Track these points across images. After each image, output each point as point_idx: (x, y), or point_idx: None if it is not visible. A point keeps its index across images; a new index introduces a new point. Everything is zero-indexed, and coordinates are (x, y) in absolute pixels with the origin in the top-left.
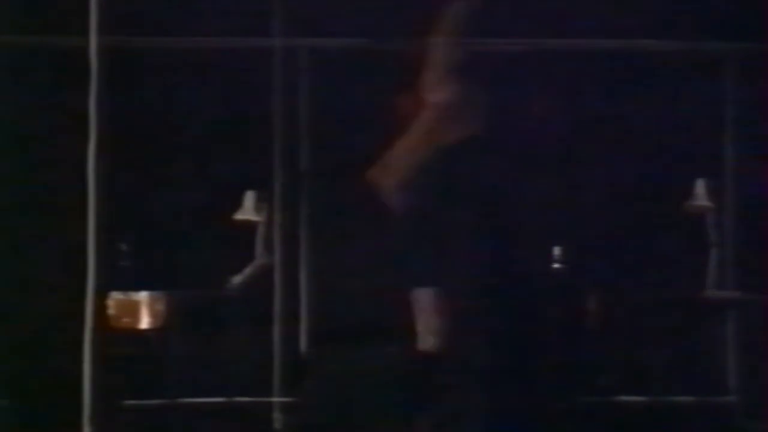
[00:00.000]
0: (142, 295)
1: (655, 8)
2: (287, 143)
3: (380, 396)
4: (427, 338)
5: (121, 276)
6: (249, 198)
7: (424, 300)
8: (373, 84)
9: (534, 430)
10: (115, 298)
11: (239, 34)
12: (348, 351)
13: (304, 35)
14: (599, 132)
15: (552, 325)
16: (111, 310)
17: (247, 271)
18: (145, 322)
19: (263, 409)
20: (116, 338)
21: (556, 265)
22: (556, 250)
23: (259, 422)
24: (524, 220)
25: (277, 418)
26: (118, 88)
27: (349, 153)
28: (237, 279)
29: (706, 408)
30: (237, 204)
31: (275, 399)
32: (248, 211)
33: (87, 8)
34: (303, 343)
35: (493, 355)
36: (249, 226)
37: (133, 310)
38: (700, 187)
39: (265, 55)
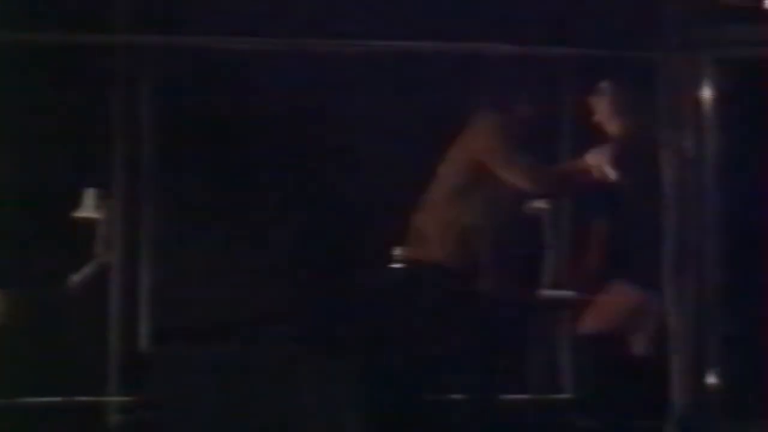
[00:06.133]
0: None
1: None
2: (130, 141)
3: (225, 395)
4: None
5: None
6: (89, 196)
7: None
8: (225, 83)
9: (374, 428)
10: None
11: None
12: (191, 350)
13: (152, 32)
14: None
15: (392, 325)
16: None
17: (87, 269)
18: None
19: (102, 409)
20: None
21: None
22: (397, 251)
23: (98, 422)
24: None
25: (117, 418)
26: None
27: (196, 151)
28: (76, 278)
29: (540, 405)
30: (77, 202)
31: (114, 398)
32: (88, 208)
33: None
34: (144, 342)
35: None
36: (89, 225)
37: None
38: None
39: (109, 52)
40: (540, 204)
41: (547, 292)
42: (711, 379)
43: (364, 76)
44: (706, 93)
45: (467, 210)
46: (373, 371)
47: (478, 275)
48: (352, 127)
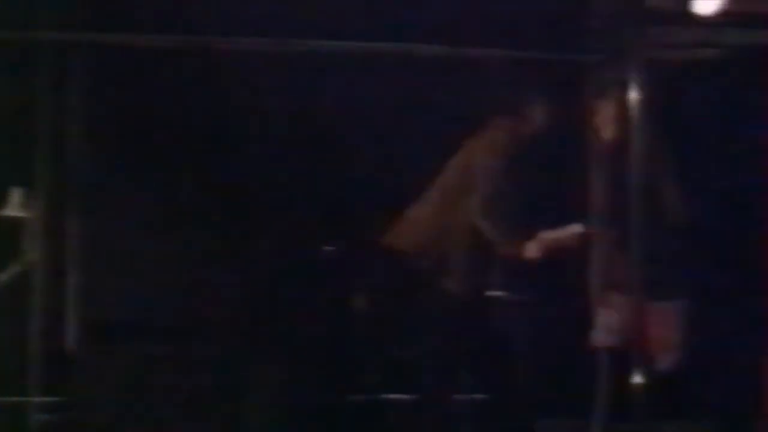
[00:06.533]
0: None
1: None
2: (58, 140)
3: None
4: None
5: None
6: (15, 194)
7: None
8: (154, 81)
9: (301, 426)
10: None
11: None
12: (117, 350)
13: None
14: (367, 131)
15: (321, 323)
16: None
17: (13, 268)
18: None
19: (26, 409)
20: None
21: (325, 263)
22: (328, 247)
23: (21, 422)
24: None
25: (40, 418)
26: None
27: (124, 150)
28: (1, 276)
29: (463, 405)
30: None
31: (38, 399)
32: (15, 207)
33: None
34: (68, 342)
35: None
36: (15, 223)
37: None
38: None
39: (35, 49)
40: None
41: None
42: (635, 380)
43: (294, 74)
44: (634, 95)
45: (462, 210)
46: (300, 370)
47: (453, 274)
48: (282, 125)
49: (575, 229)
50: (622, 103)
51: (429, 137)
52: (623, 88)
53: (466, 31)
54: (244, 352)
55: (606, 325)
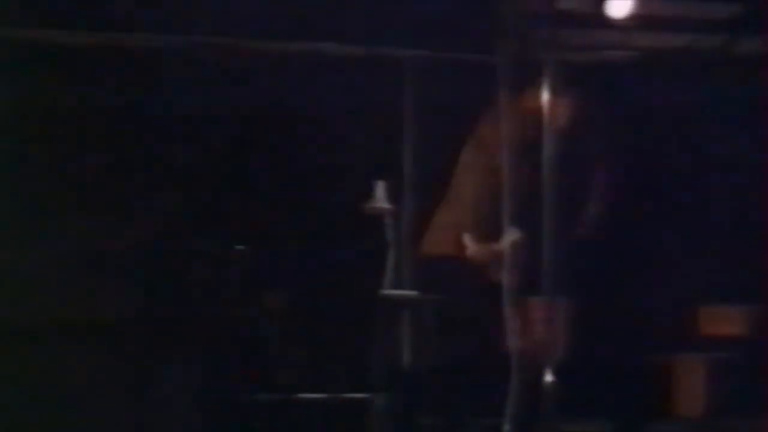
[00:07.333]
0: None
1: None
2: None
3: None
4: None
5: None
6: None
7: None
8: (64, 79)
9: (214, 426)
10: None
11: None
12: (27, 349)
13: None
14: (278, 131)
15: (234, 325)
16: None
17: None
18: None
19: None
20: None
21: (236, 264)
22: (239, 248)
23: None
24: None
25: None
26: None
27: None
28: None
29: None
30: None
31: None
32: None
33: None
34: None
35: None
36: None
37: None
38: (379, 189)
39: None
40: (382, 203)
41: (389, 292)
42: (548, 378)
43: (192, 72)
44: (546, 96)
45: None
46: (213, 370)
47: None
48: (182, 121)
49: (513, 236)
50: (536, 105)
51: (346, 138)
52: (536, 89)
53: (378, 30)
54: (155, 351)
55: (511, 327)
